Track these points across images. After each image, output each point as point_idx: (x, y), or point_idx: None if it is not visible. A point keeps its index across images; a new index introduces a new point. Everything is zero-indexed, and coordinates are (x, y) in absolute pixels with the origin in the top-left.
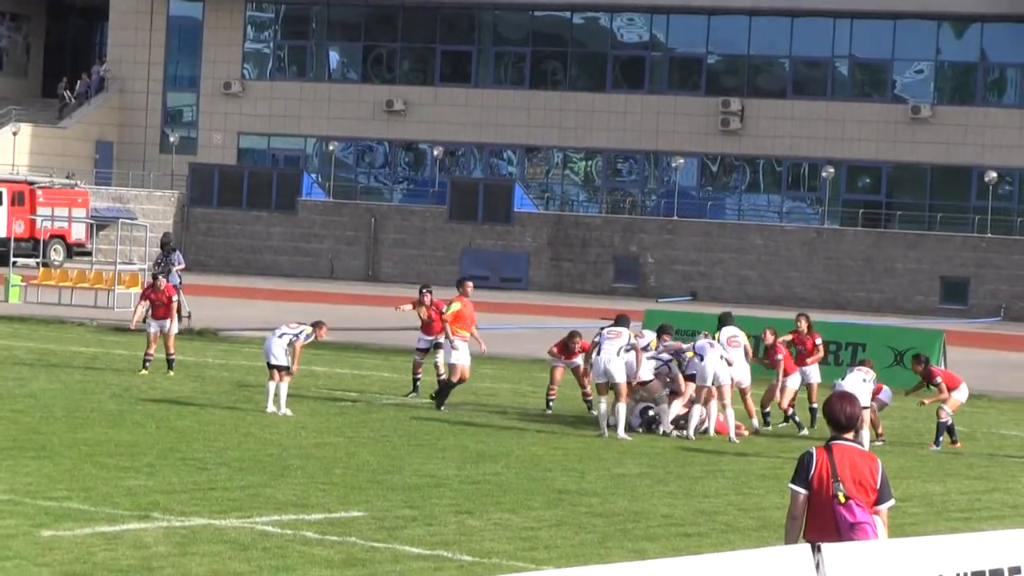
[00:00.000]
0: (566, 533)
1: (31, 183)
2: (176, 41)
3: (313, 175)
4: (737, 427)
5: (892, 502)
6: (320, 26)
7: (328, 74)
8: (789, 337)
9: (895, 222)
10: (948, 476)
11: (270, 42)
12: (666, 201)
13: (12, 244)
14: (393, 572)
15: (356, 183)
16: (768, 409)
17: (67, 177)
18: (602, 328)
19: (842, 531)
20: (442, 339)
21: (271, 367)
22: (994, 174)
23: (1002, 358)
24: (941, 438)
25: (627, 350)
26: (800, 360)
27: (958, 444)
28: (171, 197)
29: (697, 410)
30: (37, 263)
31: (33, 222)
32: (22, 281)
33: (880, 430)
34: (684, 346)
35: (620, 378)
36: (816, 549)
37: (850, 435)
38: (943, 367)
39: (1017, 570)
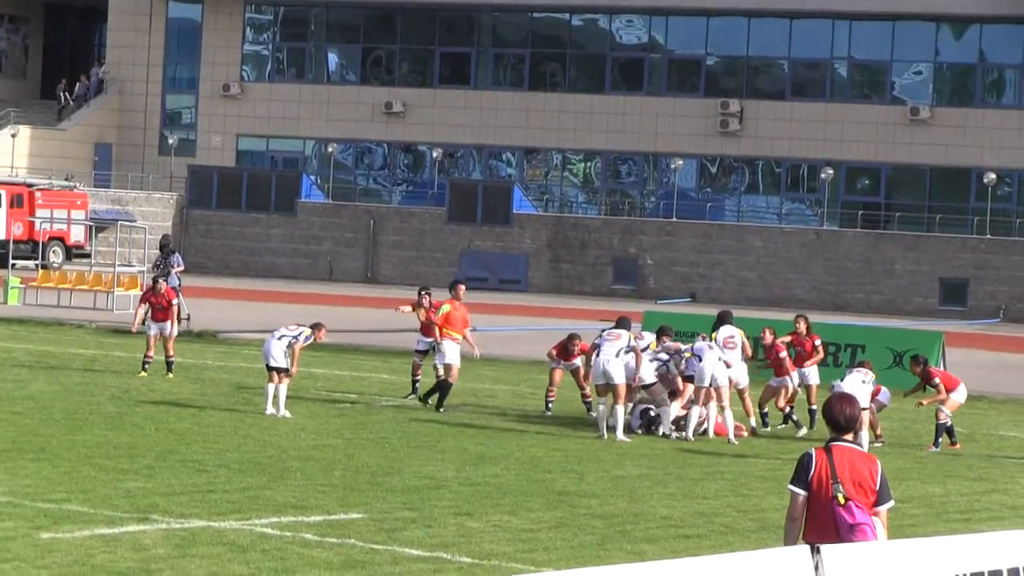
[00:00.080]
0: (565, 535)
1: (30, 185)
2: (175, 43)
3: (312, 177)
4: (737, 428)
5: (891, 503)
6: (319, 28)
7: (327, 76)
8: (788, 339)
9: (894, 223)
10: (947, 477)
11: (269, 44)
12: (665, 203)
13: (11, 246)
14: (392, 574)
15: (355, 185)
16: (766, 410)
17: (66, 179)
18: (603, 330)
19: (841, 532)
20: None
21: (270, 369)
22: (993, 175)
23: (1001, 359)
24: (940, 439)
25: (627, 352)
26: (799, 361)
27: (957, 445)
28: (170, 199)
29: (696, 411)
30: (36, 265)
31: (32, 224)
32: (21, 283)
33: (879, 431)
34: (683, 347)
35: (619, 380)
36: (815, 551)
37: (849, 436)
38: (942, 368)
39: (1016, 571)
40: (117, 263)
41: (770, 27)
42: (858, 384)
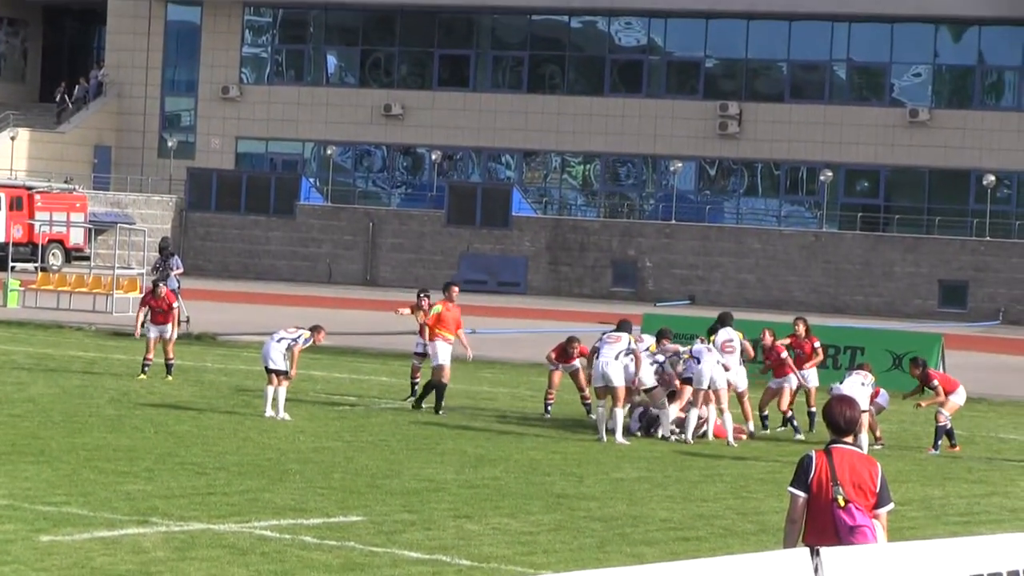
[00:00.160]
0: (565, 537)
1: (29, 188)
2: (174, 46)
3: (311, 179)
4: (737, 430)
5: (891, 506)
6: (318, 30)
7: (326, 78)
8: (787, 341)
9: (893, 226)
10: (947, 480)
11: (268, 46)
12: (664, 205)
13: (11, 249)
14: None
15: (354, 187)
16: (766, 412)
17: (65, 182)
18: (604, 333)
19: (841, 535)
20: None
21: (269, 371)
22: (992, 177)
23: (1001, 361)
24: (940, 442)
25: (626, 354)
26: (798, 364)
27: (957, 448)
28: (169, 202)
29: (694, 413)
30: (35, 268)
31: (31, 227)
32: (20, 286)
33: (879, 434)
34: (681, 349)
35: (618, 382)
36: (815, 553)
37: (850, 439)
38: (942, 371)
39: (1016, 574)
40: (116, 266)
41: (769, 29)
42: (857, 386)
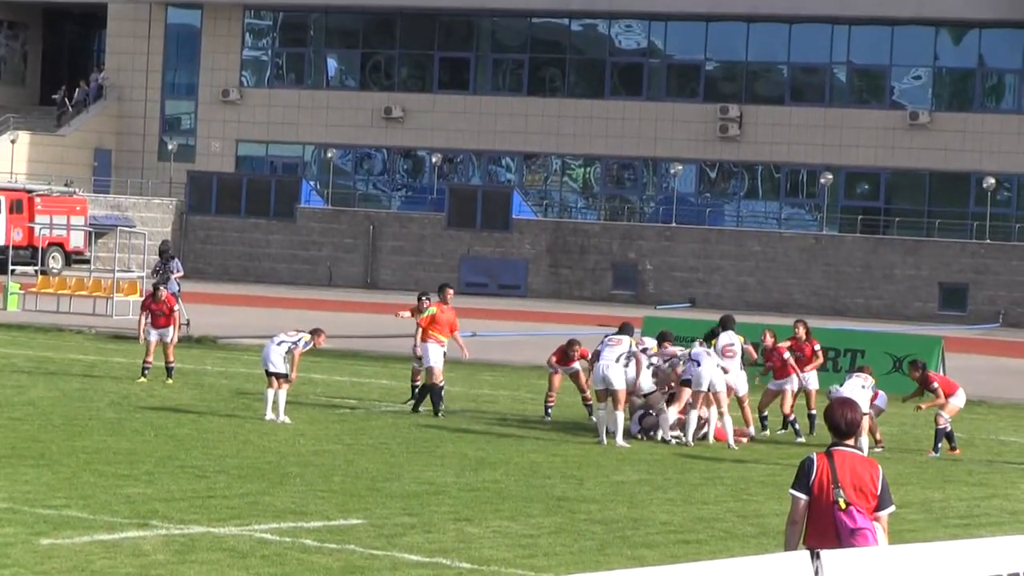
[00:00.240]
0: (565, 540)
1: (29, 191)
2: (174, 49)
3: (311, 182)
4: (740, 433)
5: (892, 508)
6: (318, 33)
7: (326, 81)
8: (787, 344)
9: (893, 228)
10: (947, 482)
11: (268, 50)
12: (664, 208)
13: (11, 252)
14: None
15: (354, 190)
16: (766, 413)
17: (65, 185)
18: (606, 336)
19: (842, 537)
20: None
21: (269, 375)
22: (992, 180)
23: (1001, 364)
24: (940, 444)
25: (627, 357)
26: (798, 367)
27: (957, 451)
28: (169, 205)
29: (694, 415)
30: (35, 271)
31: (32, 230)
32: (20, 289)
33: (879, 436)
34: (679, 352)
35: (619, 385)
36: (815, 556)
37: (851, 441)
38: (942, 374)
39: None
40: (116, 269)
41: (769, 32)
42: (857, 389)
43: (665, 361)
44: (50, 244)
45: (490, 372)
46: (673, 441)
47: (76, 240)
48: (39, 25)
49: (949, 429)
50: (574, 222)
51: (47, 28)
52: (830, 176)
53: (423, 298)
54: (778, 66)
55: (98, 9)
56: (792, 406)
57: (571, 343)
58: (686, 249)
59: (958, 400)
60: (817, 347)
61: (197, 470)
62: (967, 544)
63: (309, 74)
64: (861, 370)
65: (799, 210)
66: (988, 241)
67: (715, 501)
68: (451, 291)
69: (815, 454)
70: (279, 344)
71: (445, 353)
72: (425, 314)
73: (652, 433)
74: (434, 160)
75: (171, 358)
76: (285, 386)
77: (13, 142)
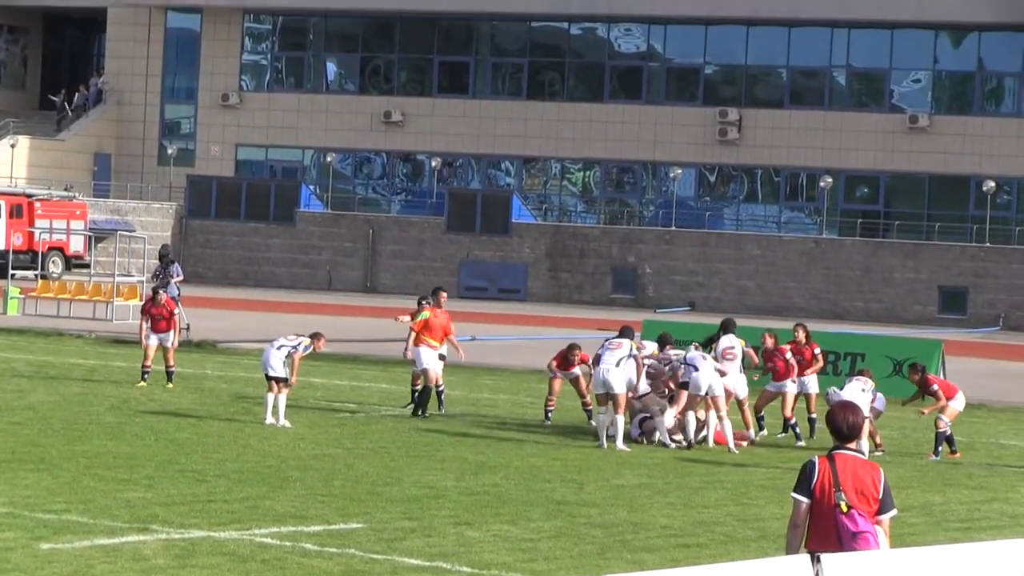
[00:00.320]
0: (565, 544)
1: (29, 195)
2: (174, 53)
3: (311, 186)
4: (740, 436)
5: (894, 512)
6: (318, 37)
7: (326, 85)
8: (787, 347)
9: (893, 232)
10: (947, 486)
11: (268, 54)
12: (664, 211)
13: (11, 256)
14: None
15: (354, 194)
16: (762, 414)
17: (65, 189)
18: (606, 339)
19: (844, 540)
20: (443, 350)
21: (269, 379)
22: (992, 183)
23: (1001, 367)
24: (940, 448)
25: (628, 360)
26: (799, 370)
27: (957, 454)
28: (169, 209)
29: (691, 416)
30: (35, 275)
31: (31, 234)
32: (20, 293)
33: (879, 440)
34: (674, 355)
35: (619, 389)
36: (815, 560)
37: (853, 444)
38: (942, 377)
39: None
40: (116, 273)
41: (768, 35)
42: (858, 392)
43: (666, 365)
44: (50, 248)
45: (490, 376)
46: (672, 445)
47: (76, 244)
48: (39, 29)
49: (949, 433)
50: (574, 226)
51: (47, 32)
52: (830, 179)
53: (423, 303)
54: (777, 69)
55: (98, 13)
56: (793, 409)
57: (571, 348)
58: (686, 253)
59: (957, 403)
60: (817, 351)
61: (197, 474)
62: (967, 548)
63: (309, 78)
64: (861, 374)
65: (799, 214)
66: (988, 244)
67: (715, 505)
68: (445, 294)
69: (817, 457)
70: (279, 348)
71: (443, 356)
72: (418, 318)
73: (652, 437)
74: (434, 164)
75: (171, 362)
76: (285, 390)
77: (13, 146)
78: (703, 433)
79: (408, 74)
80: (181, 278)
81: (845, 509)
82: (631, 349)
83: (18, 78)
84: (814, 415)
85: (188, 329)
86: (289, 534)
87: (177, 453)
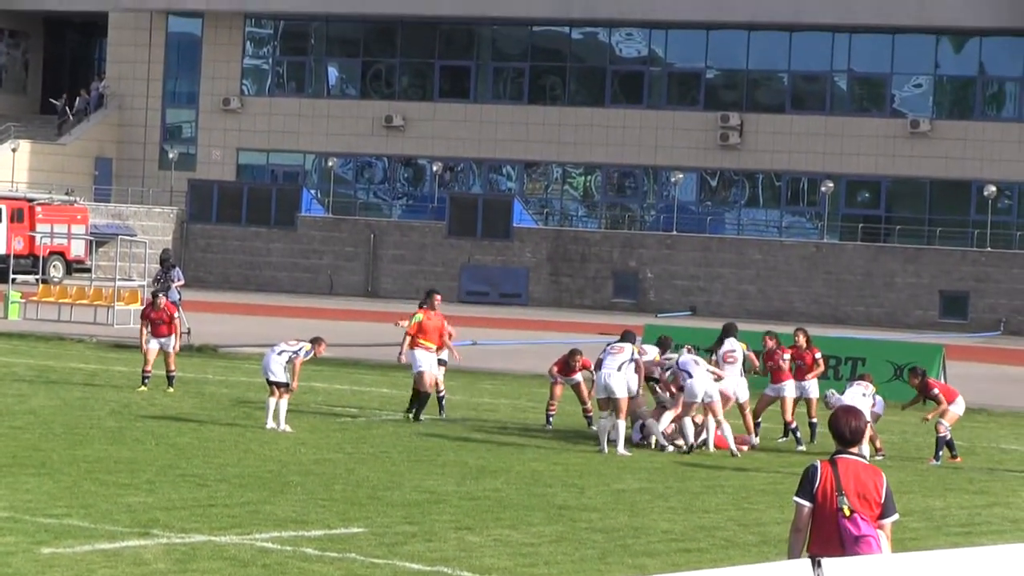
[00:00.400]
0: (566, 549)
1: (30, 200)
2: (175, 57)
3: (312, 191)
4: (742, 440)
5: (896, 517)
6: (319, 42)
7: (327, 90)
8: (788, 352)
9: (894, 236)
10: (948, 491)
11: (269, 58)
12: (665, 216)
13: (11, 261)
14: None
15: (355, 199)
16: (760, 419)
17: (66, 194)
18: (608, 344)
19: (846, 544)
20: (444, 355)
21: (270, 383)
22: (993, 188)
23: (1002, 372)
24: (941, 452)
25: (629, 365)
26: (799, 375)
27: (958, 459)
28: (170, 213)
29: (688, 422)
30: (36, 280)
31: (32, 239)
32: (21, 298)
33: (879, 444)
34: (665, 359)
35: (621, 393)
36: (816, 564)
37: (855, 449)
38: (943, 381)
39: None
40: (117, 277)
41: (770, 40)
42: (858, 397)
43: (666, 370)
44: (51, 253)
45: (491, 381)
46: (671, 448)
47: (77, 249)
48: (40, 34)
49: (949, 437)
50: (575, 230)
51: (48, 37)
52: (831, 184)
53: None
54: (779, 74)
55: (99, 18)
56: (793, 413)
57: (573, 353)
58: (687, 257)
59: (957, 408)
60: (818, 355)
61: (198, 479)
62: (968, 552)
63: (310, 82)
64: (862, 378)
65: (800, 218)
66: (989, 249)
67: (716, 509)
68: (439, 297)
69: (819, 461)
70: (279, 353)
71: (444, 362)
72: (412, 321)
73: (649, 440)
74: (435, 168)
75: (172, 367)
76: (286, 395)
77: (14, 151)
78: (703, 437)
79: (409, 78)
80: (182, 282)
81: (848, 513)
82: (633, 354)
83: (19, 82)
84: (815, 420)
85: (189, 333)
86: (290, 539)
87: (178, 457)
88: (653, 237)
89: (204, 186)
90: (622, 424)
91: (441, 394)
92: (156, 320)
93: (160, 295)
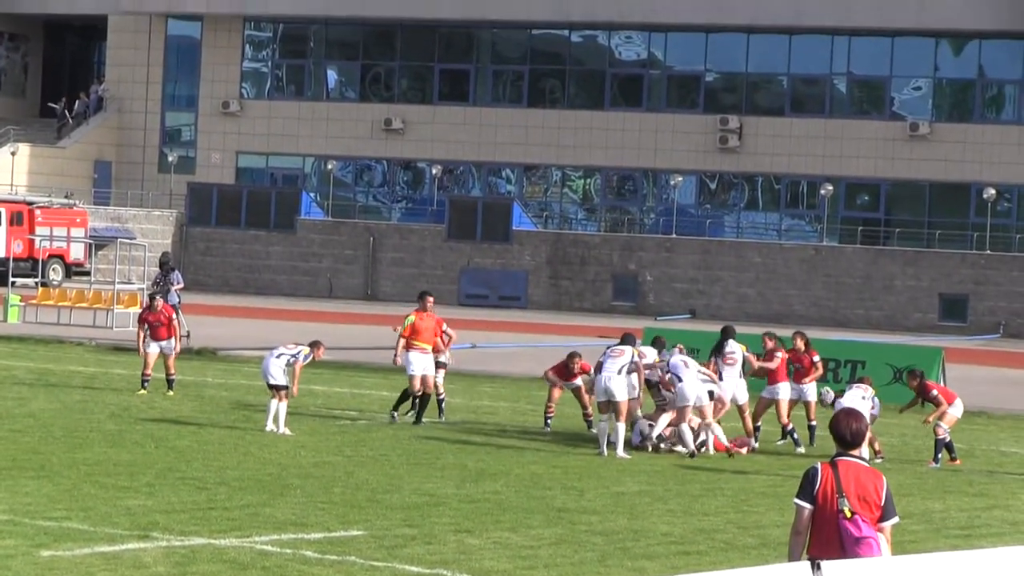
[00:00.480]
0: (566, 551)
1: (30, 203)
2: (175, 60)
3: (311, 194)
4: (743, 442)
5: (896, 519)
6: (318, 45)
7: (326, 93)
8: (787, 356)
9: (894, 239)
10: (947, 493)
11: (268, 61)
12: (665, 219)
13: (11, 264)
14: None
15: (355, 202)
16: (759, 424)
17: (66, 197)
18: (608, 347)
19: (847, 546)
20: (443, 358)
21: (270, 386)
22: (992, 191)
23: (1001, 375)
24: (940, 455)
25: (629, 367)
26: (798, 378)
27: (957, 461)
28: (170, 216)
29: (686, 427)
30: (36, 283)
31: (32, 242)
32: (21, 301)
33: (878, 447)
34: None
35: (620, 396)
36: (815, 566)
37: (856, 451)
38: (942, 384)
39: None
40: (117, 280)
41: (769, 43)
42: (858, 400)
43: (666, 373)
44: (50, 256)
45: (490, 383)
46: (663, 447)
47: (76, 252)
48: (40, 37)
49: (948, 440)
50: (574, 233)
51: (48, 40)
52: (830, 187)
53: None
54: (778, 77)
55: (98, 21)
56: (789, 415)
57: (571, 356)
58: (686, 260)
59: (956, 410)
60: (816, 358)
61: (198, 482)
62: (968, 555)
63: (309, 86)
64: (861, 381)
65: (799, 221)
66: (988, 252)
67: (716, 512)
68: (431, 299)
69: (819, 464)
70: (278, 357)
71: (443, 364)
72: (405, 323)
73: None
74: (434, 172)
75: (172, 370)
76: (286, 399)
77: (13, 154)
78: (701, 438)
79: (409, 82)
80: (181, 286)
81: (849, 514)
82: (632, 356)
83: (19, 86)
84: (814, 422)
85: (188, 336)
86: (289, 541)
87: (177, 460)
88: (652, 240)
89: (203, 189)
90: (622, 427)
91: (441, 397)
92: (154, 323)
93: (157, 297)
